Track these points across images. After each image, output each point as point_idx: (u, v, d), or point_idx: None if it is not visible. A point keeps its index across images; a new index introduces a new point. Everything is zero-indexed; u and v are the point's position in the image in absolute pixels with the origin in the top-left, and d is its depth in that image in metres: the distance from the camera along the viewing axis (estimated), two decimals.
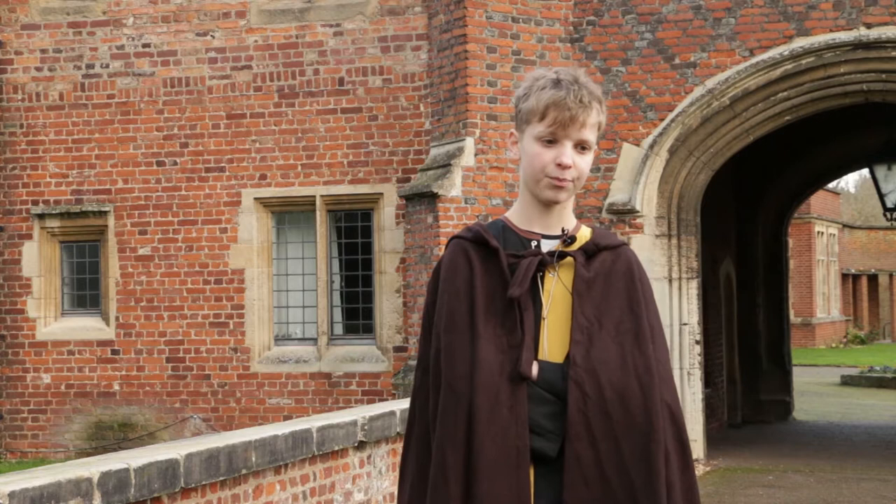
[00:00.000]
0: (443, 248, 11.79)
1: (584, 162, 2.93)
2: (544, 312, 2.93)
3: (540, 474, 2.87)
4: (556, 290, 2.95)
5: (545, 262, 2.94)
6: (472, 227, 3.04)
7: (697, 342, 12.38)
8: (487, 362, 2.86)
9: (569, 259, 2.96)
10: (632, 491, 2.83)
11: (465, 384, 2.86)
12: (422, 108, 13.16)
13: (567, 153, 2.90)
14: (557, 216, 2.98)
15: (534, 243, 2.97)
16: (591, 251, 2.98)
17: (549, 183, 2.91)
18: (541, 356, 2.90)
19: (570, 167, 2.90)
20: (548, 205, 2.96)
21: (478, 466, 2.82)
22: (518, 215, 3.02)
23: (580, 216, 12.26)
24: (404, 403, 7.76)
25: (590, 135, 2.92)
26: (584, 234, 3.02)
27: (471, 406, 2.84)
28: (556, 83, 2.91)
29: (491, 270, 2.95)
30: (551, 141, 2.91)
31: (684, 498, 2.93)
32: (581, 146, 2.92)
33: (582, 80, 2.92)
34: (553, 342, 2.92)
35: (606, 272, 2.97)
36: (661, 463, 2.85)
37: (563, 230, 2.98)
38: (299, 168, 13.60)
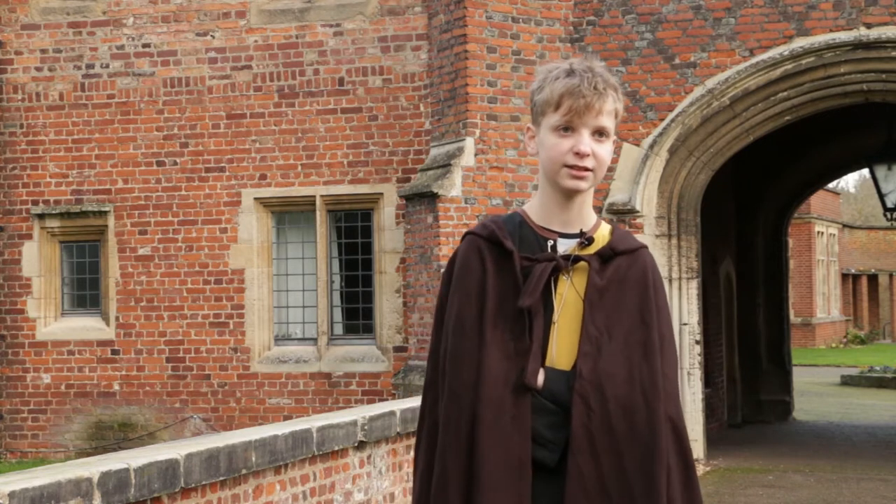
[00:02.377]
0: (443, 248, 11.80)
1: (604, 150, 2.89)
2: (555, 317, 2.90)
3: (538, 479, 2.85)
4: (568, 295, 2.91)
5: (559, 268, 2.90)
6: (487, 224, 2.99)
7: (697, 342, 12.38)
8: (493, 371, 2.83)
9: (583, 263, 2.92)
10: None
11: (469, 393, 2.84)
12: (422, 108, 13.16)
13: (584, 141, 2.86)
14: (577, 211, 2.94)
15: (550, 243, 2.93)
16: (607, 256, 2.93)
17: (568, 172, 2.87)
18: (548, 362, 2.88)
19: (588, 155, 2.86)
20: (569, 195, 2.91)
21: (479, 477, 2.80)
22: (537, 210, 2.98)
23: None
24: (404, 403, 7.76)
25: (607, 122, 2.88)
26: (603, 233, 2.97)
27: (474, 416, 2.82)
28: (570, 72, 2.89)
29: (503, 273, 2.91)
30: (568, 129, 2.87)
31: None
32: (599, 133, 2.88)
33: (596, 68, 2.91)
34: (562, 348, 2.89)
35: (620, 279, 2.93)
36: (662, 479, 2.83)
37: (581, 231, 2.93)
38: (299, 168, 13.60)
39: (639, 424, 2.83)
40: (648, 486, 2.81)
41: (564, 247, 2.93)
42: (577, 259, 2.91)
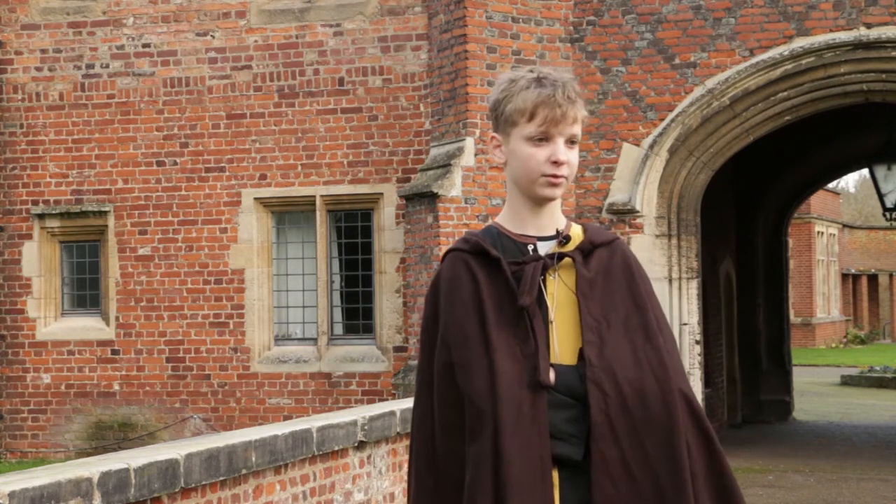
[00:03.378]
0: (443, 248, 11.79)
1: (574, 156, 2.94)
2: (551, 316, 2.92)
3: (563, 478, 2.86)
4: (559, 292, 2.94)
5: (548, 266, 2.93)
6: (468, 239, 3.02)
7: (697, 342, 12.38)
8: (506, 374, 2.84)
9: (567, 259, 2.96)
10: (658, 486, 2.83)
11: (486, 398, 2.84)
12: (422, 108, 13.16)
13: (561, 150, 2.90)
14: (549, 216, 2.98)
15: (531, 248, 2.96)
16: (587, 249, 2.98)
17: (545, 181, 2.91)
18: (552, 359, 2.89)
19: (565, 163, 2.90)
20: (541, 203, 2.96)
21: (506, 481, 2.81)
22: (509, 219, 3.01)
23: (580, 216, 12.25)
24: (404, 403, 7.76)
25: (578, 129, 2.93)
26: (577, 231, 3.01)
27: (495, 420, 2.82)
28: (539, 82, 2.91)
29: (495, 280, 2.93)
30: (542, 139, 2.90)
31: (711, 486, 2.92)
32: (571, 141, 2.93)
33: (564, 77, 2.93)
34: (563, 344, 2.91)
35: (605, 269, 2.97)
36: (684, 455, 2.85)
37: (557, 231, 2.97)
38: (299, 168, 13.60)
39: (654, 405, 2.85)
40: (672, 466, 2.84)
41: (544, 249, 2.97)
42: (561, 256, 2.94)
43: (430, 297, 3.03)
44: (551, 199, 2.95)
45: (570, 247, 2.97)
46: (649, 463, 2.84)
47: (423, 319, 3.06)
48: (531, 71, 2.95)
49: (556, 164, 2.89)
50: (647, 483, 2.84)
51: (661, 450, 2.84)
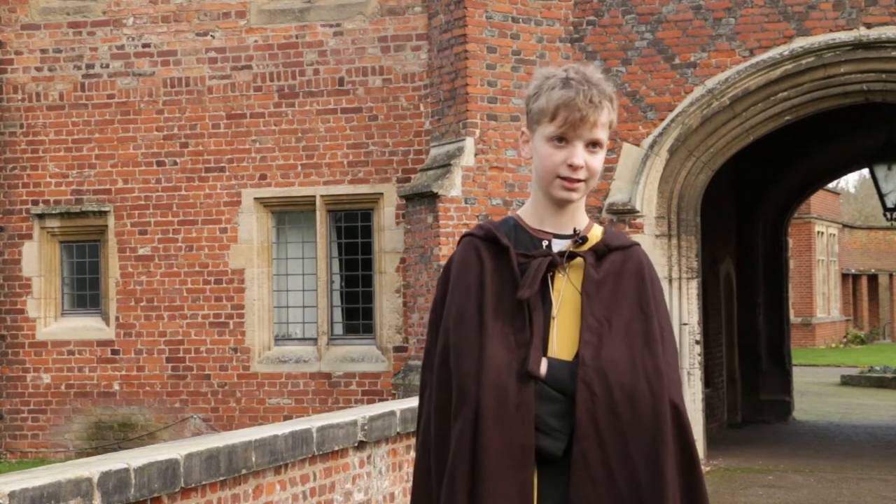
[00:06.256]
0: (442, 248, 11.80)
1: (596, 161, 2.92)
2: (554, 312, 2.92)
3: (545, 474, 2.85)
4: (565, 290, 2.94)
5: (555, 263, 2.93)
6: (483, 225, 3.03)
7: (697, 342, 12.38)
8: (495, 360, 2.84)
9: (579, 259, 2.95)
10: (638, 492, 2.81)
11: (472, 382, 2.85)
12: (422, 108, 13.16)
13: (578, 154, 2.89)
14: (570, 215, 2.97)
15: (545, 243, 2.96)
16: (601, 252, 2.97)
17: (561, 184, 2.90)
18: (550, 355, 2.89)
19: (581, 167, 2.89)
20: (560, 204, 2.95)
21: (483, 465, 2.81)
22: (530, 214, 3.01)
23: None
24: (404, 403, 7.76)
25: (601, 134, 2.91)
26: (596, 233, 3.01)
27: (478, 404, 2.83)
28: (566, 82, 2.89)
29: (501, 269, 2.94)
30: (562, 141, 2.89)
31: (686, 502, 2.89)
32: (592, 145, 2.91)
33: (593, 78, 2.91)
34: (562, 341, 2.90)
35: (616, 272, 2.96)
36: (668, 465, 2.83)
37: (574, 230, 2.96)
38: (299, 168, 13.60)
39: (644, 411, 2.84)
40: (655, 473, 2.82)
41: (559, 246, 2.97)
42: (572, 255, 2.94)
43: (442, 279, 3.05)
44: (568, 202, 2.94)
45: (586, 247, 2.97)
46: (631, 468, 2.82)
47: (432, 301, 3.07)
48: (565, 70, 2.93)
49: (573, 167, 2.88)
50: (628, 488, 2.82)
51: (645, 456, 2.82)
